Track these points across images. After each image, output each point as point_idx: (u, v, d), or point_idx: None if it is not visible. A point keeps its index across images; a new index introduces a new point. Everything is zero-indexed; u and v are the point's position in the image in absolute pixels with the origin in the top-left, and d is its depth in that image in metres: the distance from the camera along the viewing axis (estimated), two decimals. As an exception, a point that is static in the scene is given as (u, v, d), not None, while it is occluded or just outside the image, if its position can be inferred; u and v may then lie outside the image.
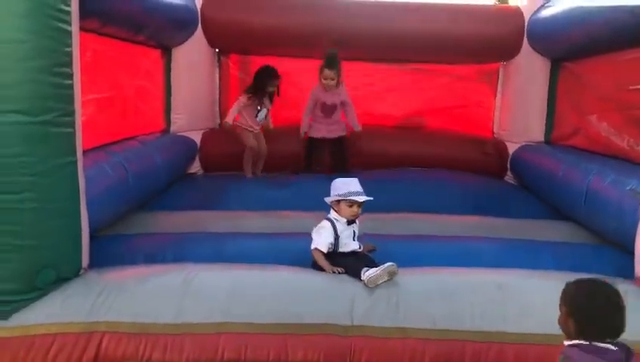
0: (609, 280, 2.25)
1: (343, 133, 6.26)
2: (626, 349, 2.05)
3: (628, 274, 3.52)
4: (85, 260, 3.36)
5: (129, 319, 3.04)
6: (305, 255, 3.62)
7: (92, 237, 3.50)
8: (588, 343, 2.07)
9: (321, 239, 3.50)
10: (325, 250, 3.48)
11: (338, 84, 5.97)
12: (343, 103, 6.10)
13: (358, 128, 6.19)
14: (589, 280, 2.22)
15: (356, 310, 3.09)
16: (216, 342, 2.98)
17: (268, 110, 6.18)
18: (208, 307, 3.10)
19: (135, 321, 3.04)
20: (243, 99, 5.98)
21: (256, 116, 6.08)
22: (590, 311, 2.09)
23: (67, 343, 2.95)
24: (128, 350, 2.97)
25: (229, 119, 5.99)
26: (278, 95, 6.19)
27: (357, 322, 3.05)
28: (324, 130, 6.19)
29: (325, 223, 3.55)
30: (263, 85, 5.99)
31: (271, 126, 6.29)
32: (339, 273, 3.36)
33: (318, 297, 3.18)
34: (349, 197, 3.51)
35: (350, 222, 3.57)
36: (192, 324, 3.02)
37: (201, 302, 3.12)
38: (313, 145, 6.33)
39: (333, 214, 3.58)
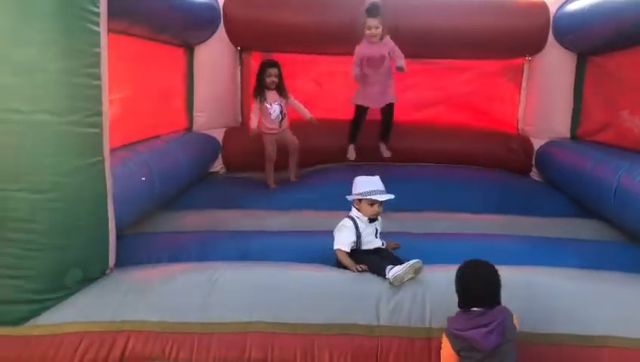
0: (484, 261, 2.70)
1: (392, 100, 5.98)
2: (495, 310, 2.56)
3: (659, 272, 3.44)
4: (112, 259, 3.38)
5: (155, 318, 3.06)
6: (329, 252, 3.60)
7: (118, 236, 3.52)
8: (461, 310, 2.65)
9: (343, 238, 3.48)
10: (348, 249, 3.46)
11: (383, 36, 5.62)
12: (391, 52, 5.68)
13: (402, 65, 5.60)
14: (466, 262, 2.74)
15: (382, 309, 3.07)
16: (243, 341, 2.99)
17: (282, 106, 5.77)
18: (234, 306, 3.11)
19: (161, 320, 3.06)
20: (255, 103, 5.75)
21: (271, 115, 5.75)
22: (459, 286, 2.68)
23: (94, 342, 2.99)
24: (155, 349, 3.00)
25: (253, 125, 5.72)
26: (279, 84, 5.75)
27: (383, 322, 3.03)
28: (375, 95, 5.90)
29: (347, 221, 3.52)
30: (259, 81, 5.73)
31: (308, 115, 5.88)
32: (363, 271, 3.34)
33: (344, 296, 3.16)
34: (370, 196, 3.48)
35: (372, 220, 3.54)
36: (219, 323, 3.03)
37: (227, 300, 3.13)
38: (361, 114, 6.07)
39: (354, 212, 3.56)
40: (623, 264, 3.71)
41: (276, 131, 5.81)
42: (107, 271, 3.35)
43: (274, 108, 5.73)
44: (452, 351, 2.58)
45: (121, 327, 3.03)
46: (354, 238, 3.48)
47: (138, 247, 3.94)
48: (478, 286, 2.61)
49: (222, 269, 3.35)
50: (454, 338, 2.57)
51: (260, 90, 5.71)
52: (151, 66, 5.23)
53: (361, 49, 5.71)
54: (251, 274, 3.37)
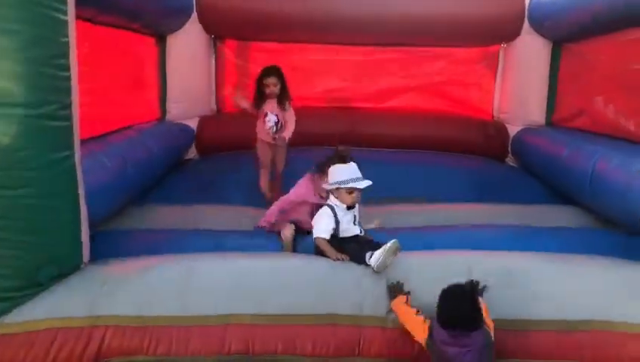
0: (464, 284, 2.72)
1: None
2: (475, 334, 2.60)
3: (634, 257, 3.49)
4: (86, 255, 3.29)
5: (132, 312, 3.00)
6: (308, 246, 3.57)
7: (92, 232, 3.43)
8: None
9: (323, 226, 3.45)
10: (328, 237, 3.44)
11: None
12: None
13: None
14: (450, 286, 2.72)
15: (365, 299, 3.05)
16: (222, 334, 2.95)
17: (278, 117, 5.16)
18: (214, 298, 3.06)
19: (139, 314, 2.99)
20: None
21: (265, 124, 5.19)
22: (442, 309, 2.68)
23: (69, 339, 2.91)
24: (132, 344, 2.94)
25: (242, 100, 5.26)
26: (280, 93, 5.19)
27: (366, 311, 3.02)
28: None
29: (325, 209, 3.50)
30: (258, 88, 5.19)
31: (282, 139, 5.14)
32: (343, 260, 3.32)
33: (326, 286, 3.13)
34: (349, 185, 3.45)
35: (350, 207, 3.52)
36: (198, 317, 2.98)
37: (206, 293, 3.08)
38: None
39: (333, 200, 3.53)
40: (599, 249, 3.75)
41: (269, 141, 5.26)
42: (82, 267, 3.26)
43: (270, 118, 5.17)
44: (426, 335, 2.70)
45: (97, 323, 2.96)
46: (333, 225, 3.45)
47: (114, 244, 3.85)
48: (457, 313, 2.62)
49: (199, 261, 3.29)
50: (433, 347, 2.66)
51: (259, 97, 5.18)
52: (122, 56, 5.11)
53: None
54: (229, 265, 3.32)
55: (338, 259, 3.32)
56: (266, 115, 5.15)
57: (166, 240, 3.99)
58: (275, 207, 4.19)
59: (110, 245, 3.78)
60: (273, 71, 5.20)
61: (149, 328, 2.96)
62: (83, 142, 3.33)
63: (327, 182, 3.64)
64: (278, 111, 5.17)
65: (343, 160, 3.93)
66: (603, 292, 3.10)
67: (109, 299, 3.04)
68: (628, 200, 3.79)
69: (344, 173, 3.50)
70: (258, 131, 5.25)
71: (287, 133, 5.14)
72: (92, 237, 3.40)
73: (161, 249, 3.80)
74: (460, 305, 2.62)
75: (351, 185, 3.45)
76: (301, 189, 4.14)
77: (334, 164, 3.85)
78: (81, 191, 3.20)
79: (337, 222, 3.46)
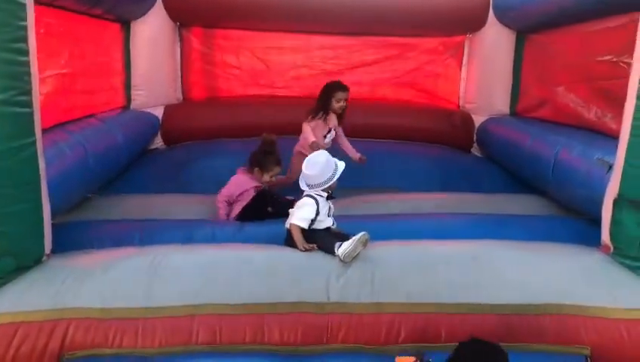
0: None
1: None
2: None
3: (594, 243, 3.58)
4: (48, 246, 3.21)
5: (97, 305, 2.94)
6: (277, 237, 3.56)
7: (55, 225, 3.35)
8: None
9: (303, 214, 3.44)
10: (305, 226, 3.44)
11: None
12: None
13: None
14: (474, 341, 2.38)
15: (332, 286, 3.06)
16: (189, 324, 2.92)
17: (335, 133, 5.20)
18: (180, 289, 3.03)
19: (103, 307, 2.94)
20: (312, 121, 5.11)
21: (324, 139, 5.12)
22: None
23: (30, 332, 2.84)
24: (97, 337, 2.88)
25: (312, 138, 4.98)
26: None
27: (333, 299, 3.02)
28: None
29: (309, 200, 3.49)
30: (324, 102, 5.12)
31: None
32: (310, 250, 3.32)
33: (294, 275, 3.13)
34: (331, 183, 3.49)
35: (328, 198, 3.54)
36: (164, 308, 2.94)
37: (172, 284, 3.04)
38: None
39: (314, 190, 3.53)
40: (562, 236, 3.85)
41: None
42: (43, 259, 3.18)
43: (332, 133, 5.19)
44: None
45: (60, 316, 2.90)
46: (313, 216, 3.45)
47: (77, 236, 3.77)
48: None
49: (166, 252, 3.25)
50: None
51: (325, 110, 5.10)
52: (85, 42, 4.97)
53: None
54: (196, 256, 3.30)
55: (306, 250, 3.33)
56: (329, 130, 5.14)
57: (132, 231, 3.92)
58: (220, 204, 4.40)
59: (73, 237, 3.71)
60: (346, 87, 5.20)
61: (114, 321, 2.91)
62: (43, 131, 3.23)
63: (259, 172, 4.32)
64: (336, 128, 5.22)
65: (271, 145, 4.53)
66: (564, 277, 3.18)
67: (73, 291, 2.98)
68: (588, 188, 3.89)
69: (325, 171, 3.48)
70: (302, 146, 5.07)
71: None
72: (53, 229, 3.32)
73: (126, 240, 3.76)
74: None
75: (332, 183, 3.49)
76: (239, 180, 4.47)
77: (264, 154, 4.47)
78: (43, 181, 3.12)
79: (317, 214, 3.47)
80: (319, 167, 3.48)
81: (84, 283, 3.01)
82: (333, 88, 5.17)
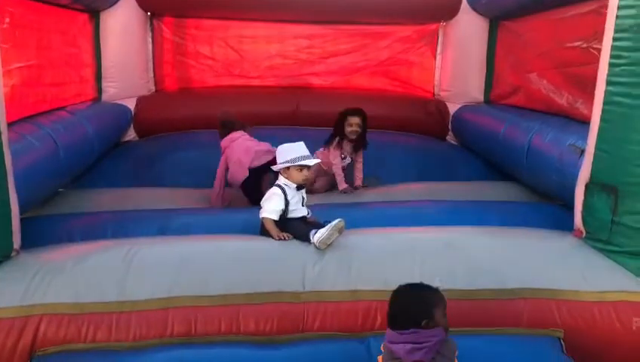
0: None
1: None
2: (429, 332, 2.33)
3: (567, 227, 3.63)
4: (17, 241, 3.13)
5: (69, 300, 2.87)
6: (250, 225, 3.53)
7: (24, 219, 3.27)
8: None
9: (272, 206, 3.42)
10: (276, 218, 3.42)
11: None
12: None
13: None
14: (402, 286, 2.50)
15: (307, 275, 3.05)
16: (164, 317, 2.87)
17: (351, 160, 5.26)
18: (154, 282, 2.98)
19: (76, 302, 2.87)
20: (328, 149, 5.18)
21: (338, 165, 5.19)
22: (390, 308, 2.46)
23: (1, 329, 2.76)
24: (69, 332, 2.82)
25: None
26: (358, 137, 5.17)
27: (309, 287, 3.01)
28: None
29: (276, 190, 3.47)
30: (338, 128, 5.18)
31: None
32: (285, 239, 3.31)
33: (269, 265, 3.11)
34: (299, 162, 3.44)
35: (299, 188, 3.51)
36: (138, 301, 2.89)
37: (145, 277, 2.99)
38: None
39: (282, 180, 3.51)
40: (536, 221, 3.90)
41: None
42: (12, 254, 3.10)
43: (345, 161, 5.24)
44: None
45: (31, 312, 2.82)
46: (283, 206, 3.43)
47: (47, 231, 3.71)
48: (394, 305, 2.44)
49: (139, 245, 3.20)
50: (387, 352, 2.42)
51: (339, 137, 5.15)
52: (52, 33, 4.84)
53: None
54: (170, 248, 3.25)
55: (280, 239, 3.31)
56: (344, 157, 5.18)
57: (104, 224, 3.86)
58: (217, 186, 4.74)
59: (43, 231, 3.64)
60: (359, 111, 5.20)
61: (86, 315, 2.85)
62: (11, 124, 3.15)
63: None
64: (352, 156, 5.25)
65: (230, 117, 4.97)
66: (538, 262, 3.21)
67: (43, 287, 2.90)
68: (561, 173, 3.93)
69: (293, 152, 3.49)
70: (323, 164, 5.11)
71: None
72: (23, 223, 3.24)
73: (98, 233, 3.70)
74: (404, 301, 2.41)
75: (301, 162, 3.45)
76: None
77: (224, 126, 4.90)
78: (10, 175, 3.04)
79: (287, 203, 3.45)
80: (291, 146, 3.54)
81: (54, 278, 2.95)
82: (345, 113, 5.18)
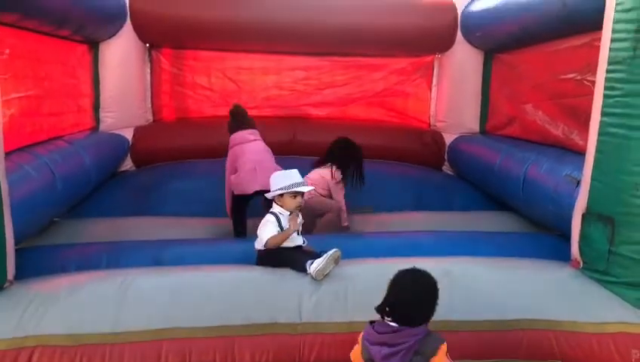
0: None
1: None
2: (409, 331, 2.28)
3: (564, 258, 3.63)
4: (11, 272, 3.11)
5: (62, 331, 2.85)
6: (246, 256, 3.52)
7: (18, 250, 3.25)
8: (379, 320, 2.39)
9: (266, 234, 3.40)
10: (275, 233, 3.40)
11: None
12: None
13: None
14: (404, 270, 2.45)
15: (304, 306, 3.03)
16: (158, 349, 2.84)
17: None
18: (148, 313, 2.96)
19: (69, 333, 2.85)
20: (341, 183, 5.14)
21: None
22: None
23: (-7, 361, 2.73)
24: (63, 364, 2.78)
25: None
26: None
27: (305, 319, 2.99)
28: None
29: (269, 217, 3.47)
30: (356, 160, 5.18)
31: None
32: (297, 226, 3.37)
33: (265, 296, 3.09)
34: (292, 189, 3.45)
35: (297, 215, 3.50)
36: (132, 332, 2.87)
37: (140, 308, 2.97)
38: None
39: (276, 208, 3.51)
40: (533, 252, 3.89)
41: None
42: (6, 285, 3.08)
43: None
44: (361, 358, 2.42)
45: (24, 344, 2.80)
46: (276, 232, 3.41)
47: (43, 261, 3.69)
48: (393, 293, 2.37)
49: (133, 276, 3.17)
50: (364, 347, 2.39)
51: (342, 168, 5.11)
52: (51, 64, 4.89)
53: None
54: (165, 279, 3.23)
55: (295, 227, 3.37)
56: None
57: (99, 254, 3.85)
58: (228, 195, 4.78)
59: (38, 262, 3.62)
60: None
61: (80, 347, 2.82)
62: (8, 153, 3.15)
63: None
64: None
65: (241, 112, 5.04)
66: (536, 293, 3.20)
67: (37, 318, 2.88)
68: (557, 204, 3.94)
69: (287, 179, 3.51)
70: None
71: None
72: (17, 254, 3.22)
73: (93, 263, 3.67)
74: (401, 284, 2.36)
75: (294, 189, 3.46)
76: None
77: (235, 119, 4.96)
78: (6, 205, 3.03)
79: (281, 230, 3.43)
80: (284, 173, 3.59)
81: (48, 309, 2.92)
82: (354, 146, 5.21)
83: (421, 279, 2.40)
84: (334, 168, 5.04)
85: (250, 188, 4.55)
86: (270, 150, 4.90)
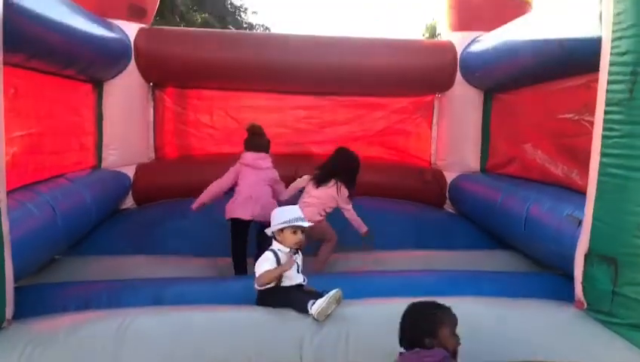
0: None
1: None
2: (436, 351, 2.40)
3: (566, 297, 3.59)
4: (10, 311, 3.08)
5: (60, 373, 2.80)
6: (247, 295, 3.49)
7: (18, 288, 3.23)
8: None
9: (263, 271, 3.36)
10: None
11: None
12: None
13: None
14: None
15: (306, 348, 2.99)
16: (157, 391, 2.79)
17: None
18: (148, 354, 2.92)
19: (67, 376, 2.80)
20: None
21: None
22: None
23: (-12, 404, 2.69)
24: (60, 407, 2.73)
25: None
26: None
27: (307, 360, 2.94)
28: None
29: (268, 254, 3.44)
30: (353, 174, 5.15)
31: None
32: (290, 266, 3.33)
33: (266, 337, 3.06)
34: (293, 223, 3.44)
35: (293, 253, 3.48)
36: (131, 375, 2.82)
37: (139, 349, 2.94)
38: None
39: (275, 245, 3.49)
40: (536, 292, 3.85)
41: None
42: (4, 325, 3.05)
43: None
44: None
45: (20, 386, 2.75)
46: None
47: (41, 299, 3.64)
48: (400, 327, 2.54)
49: (133, 316, 3.14)
50: None
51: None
52: (56, 103, 4.95)
53: None
54: (165, 319, 3.19)
55: (287, 269, 3.32)
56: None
57: (99, 292, 3.80)
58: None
59: (38, 299, 3.58)
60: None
61: (78, 389, 2.78)
62: (10, 192, 3.16)
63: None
64: None
65: (257, 132, 5.15)
66: (541, 334, 3.16)
67: (35, 359, 2.85)
68: (560, 243, 3.93)
69: (287, 214, 3.50)
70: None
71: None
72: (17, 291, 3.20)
73: (92, 302, 3.64)
74: (412, 318, 2.52)
75: (294, 223, 3.44)
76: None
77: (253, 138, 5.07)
78: (7, 243, 3.02)
79: None
80: (284, 208, 3.60)
81: (46, 349, 2.89)
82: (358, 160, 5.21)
83: (428, 306, 2.58)
84: (339, 185, 4.99)
85: (240, 214, 4.77)
86: (274, 178, 5.07)
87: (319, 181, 5.03)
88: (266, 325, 3.14)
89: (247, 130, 5.20)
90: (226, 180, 5.01)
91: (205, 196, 4.99)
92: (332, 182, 4.99)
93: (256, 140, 5.13)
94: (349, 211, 5.02)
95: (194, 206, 4.98)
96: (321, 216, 4.92)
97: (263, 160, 5.05)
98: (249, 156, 5.03)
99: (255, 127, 5.20)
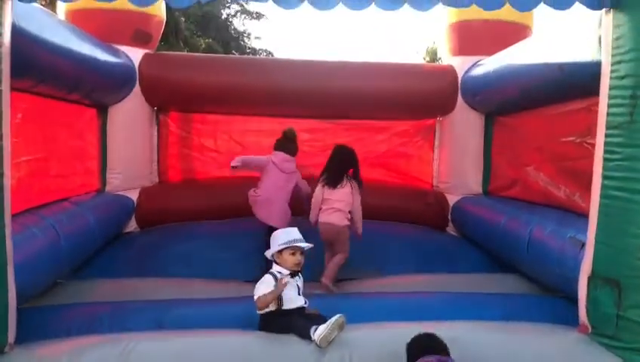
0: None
1: None
2: None
3: (570, 321, 3.57)
4: (12, 335, 3.07)
5: (61, 399, 2.79)
6: (249, 318, 3.47)
7: (21, 310, 3.22)
8: None
9: (263, 291, 3.34)
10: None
11: None
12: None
13: None
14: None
15: (308, 374, 2.96)
16: (160, 418, 2.77)
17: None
18: (150, 380, 2.89)
19: (69, 401, 2.78)
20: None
21: None
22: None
23: None
24: None
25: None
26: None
27: (310, 387, 2.92)
28: None
29: (267, 277, 3.42)
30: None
31: None
32: (285, 284, 3.30)
33: (268, 362, 3.03)
34: (292, 244, 3.44)
35: (293, 275, 3.47)
36: (133, 400, 2.80)
37: (142, 375, 2.91)
38: None
39: (275, 268, 3.48)
40: (540, 315, 3.83)
41: None
42: (6, 349, 3.04)
43: None
44: None
45: (21, 412, 2.73)
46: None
47: (44, 322, 3.64)
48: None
49: (136, 340, 3.12)
50: None
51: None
52: (61, 127, 5.00)
53: None
54: (167, 344, 3.18)
55: (282, 287, 3.29)
56: None
57: (102, 316, 3.79)
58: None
59: (41, 322, 3.57)
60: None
61: (79, 415, 2.75)
62: (15, 216, 3.18)
63: None
64: None
65: (289, 136, 5.63)
66: (544, 359, 3.13)
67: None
68: (563, 266, 3.92)
69: (286, 236, 3.51)
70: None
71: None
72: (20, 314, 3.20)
73: (94, 325, 3.62)
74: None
75: (293, 244, 3.45)
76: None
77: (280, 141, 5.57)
78: (10, 266, 3.03)
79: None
80: (284, 230, 3.63)
81: (48, 375, 2.87)
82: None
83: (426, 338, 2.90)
84: (351, 180, 5.13)
85: (260, 216, 5.31)
86: (297, 179, 5.60)
87: (335, 183, 5.12)
88: (268, 351, 3.12)
89: (284, 133, 5.65)
90: (256, 160, 5.59)
91: (241, 160, 5.46)
92: (344, 180, 5.11)
93: (288, 144, 5.58)
94: (359, 208, 5.13)
95: (232, 163, 5.45)
96: (347, 219, 5.06)
97: (289, 163, 5.51)
98: (279, 156, 5.49)
99: (291, 132, 5.68)
